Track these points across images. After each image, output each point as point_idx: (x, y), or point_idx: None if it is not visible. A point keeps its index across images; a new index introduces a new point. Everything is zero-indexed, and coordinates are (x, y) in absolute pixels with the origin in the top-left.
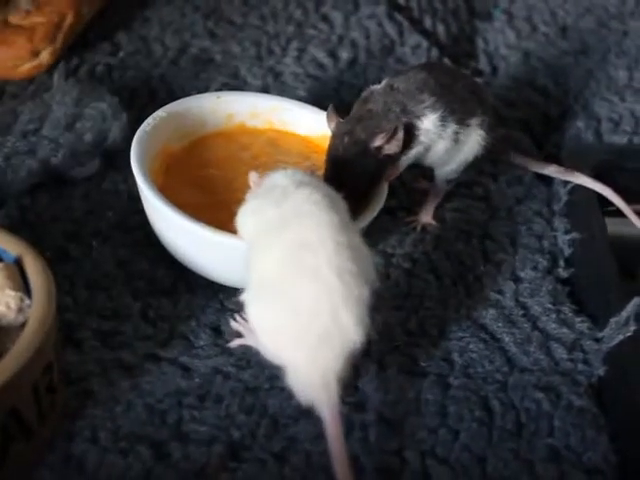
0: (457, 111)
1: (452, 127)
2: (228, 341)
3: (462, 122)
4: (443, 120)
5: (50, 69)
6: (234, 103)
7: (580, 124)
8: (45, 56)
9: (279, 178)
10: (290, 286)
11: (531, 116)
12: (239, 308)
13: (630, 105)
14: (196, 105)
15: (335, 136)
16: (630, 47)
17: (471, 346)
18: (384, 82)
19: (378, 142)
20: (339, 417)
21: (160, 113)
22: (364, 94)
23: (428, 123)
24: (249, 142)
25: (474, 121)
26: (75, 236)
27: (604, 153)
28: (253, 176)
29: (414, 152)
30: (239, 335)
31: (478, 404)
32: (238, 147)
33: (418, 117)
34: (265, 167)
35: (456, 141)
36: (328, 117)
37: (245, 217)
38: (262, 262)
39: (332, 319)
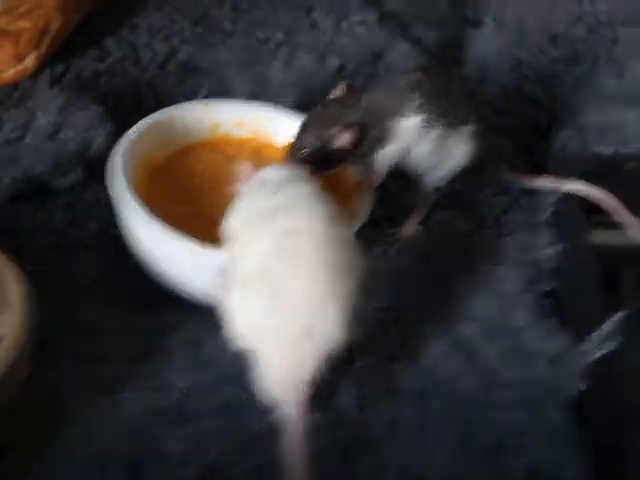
0: (446, 115)
1: (438, 130)
2: (208, 357)
3: (451, 127)
4: (427, 122)
5: (35, 75)
6: (220, 112)
7: (568, 133)
8: (30, 61)
9: (270, 173)
10: (276, 277)
11: (520, 124)
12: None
13: (617, 115)
14: (181, 114)
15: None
16: (619, 55)
17: (452, 360)
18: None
19: (331, 132)
20: (305, 417)
21: (145, 122)
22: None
23: (409, 123)
24: (234, 152)
25: (465, 128)
26: (56, 246)
27: (591, 162)
28: (243, 165)
29: (390, 152)
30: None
31: (458, 420)
32: (222, 157)
33: (399, 117)
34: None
35: (443, 146)
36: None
37: (237, 210)
38: (248, 254)
39: (315, 312)
